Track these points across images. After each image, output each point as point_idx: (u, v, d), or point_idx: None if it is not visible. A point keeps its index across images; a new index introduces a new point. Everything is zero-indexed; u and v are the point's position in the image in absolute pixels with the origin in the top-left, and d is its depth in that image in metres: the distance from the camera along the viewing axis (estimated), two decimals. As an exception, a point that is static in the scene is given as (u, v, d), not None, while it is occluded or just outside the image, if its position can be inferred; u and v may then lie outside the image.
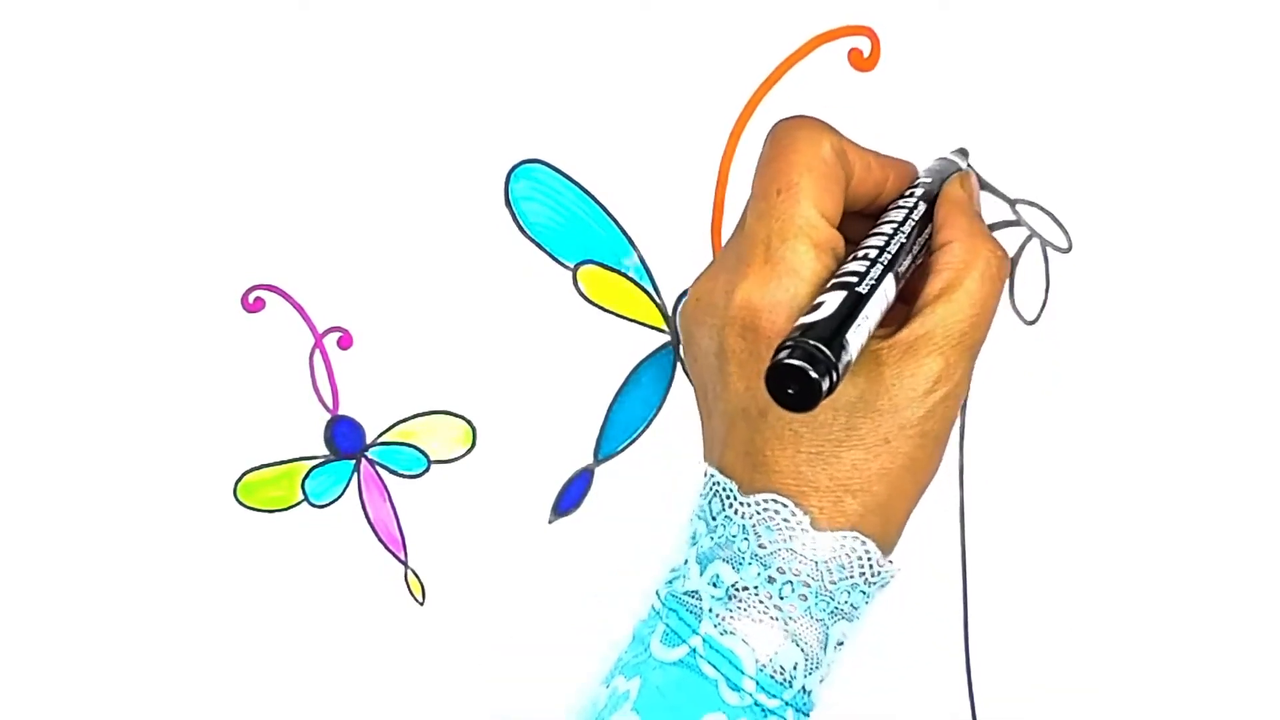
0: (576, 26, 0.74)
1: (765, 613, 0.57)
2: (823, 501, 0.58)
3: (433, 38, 0.74)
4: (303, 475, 0.77)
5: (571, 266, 0.76)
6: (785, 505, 0.57)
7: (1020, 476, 0.76)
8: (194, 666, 0.78)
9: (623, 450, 0.77)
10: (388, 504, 0.77)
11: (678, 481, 0.76)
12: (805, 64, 0.74)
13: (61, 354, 0.76)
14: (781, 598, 0.57)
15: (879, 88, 0.74)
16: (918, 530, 0.62)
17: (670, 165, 0.75)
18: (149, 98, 0.75)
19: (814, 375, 0.53)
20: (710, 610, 0.58)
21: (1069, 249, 0.74)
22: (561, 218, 0.75)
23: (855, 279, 0.57)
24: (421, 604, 0.78)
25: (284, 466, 0.77)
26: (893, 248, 0.59)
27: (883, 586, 0.60)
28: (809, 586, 0.57)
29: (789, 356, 0.53)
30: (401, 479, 0.77)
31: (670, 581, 0.60)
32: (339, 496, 0.77)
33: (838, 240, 0.60)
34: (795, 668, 0.57)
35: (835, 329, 0.54)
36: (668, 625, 0.59)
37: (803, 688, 0.58)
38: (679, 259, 0.76)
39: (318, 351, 0.76)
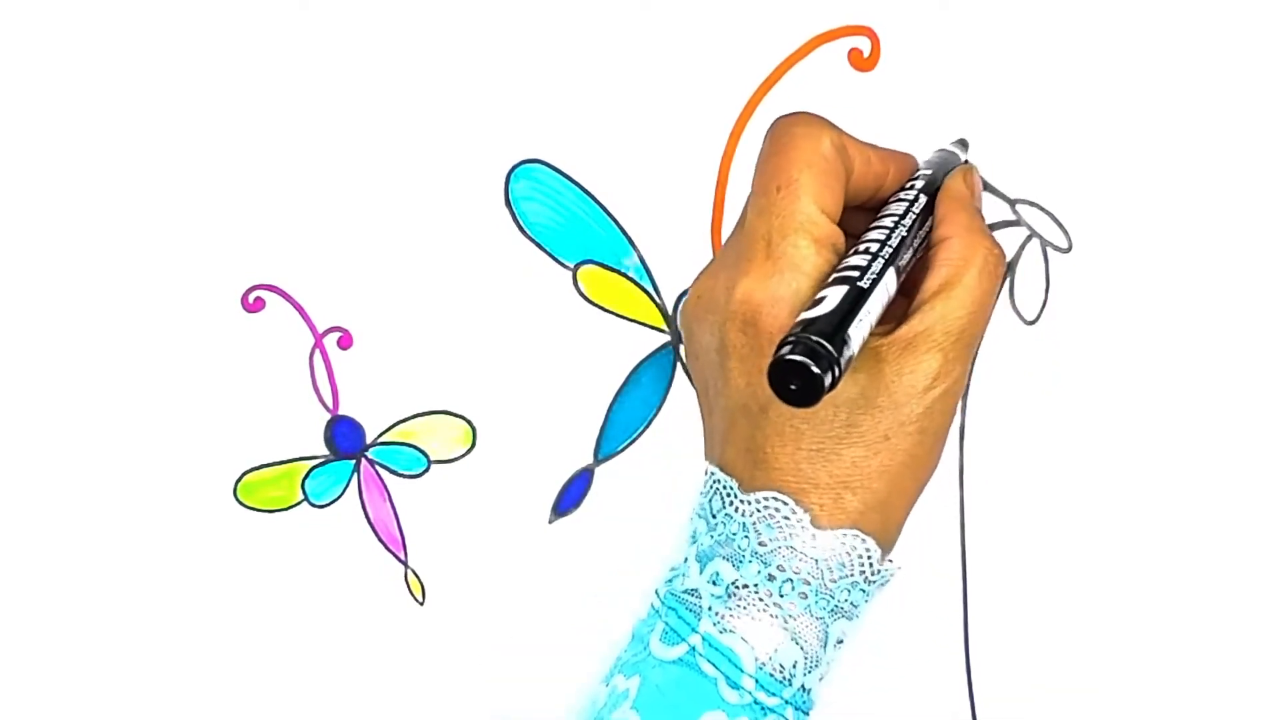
0: (576, 26, 0.74)
1: (765, 610, 0.57)
2: (823, 499, 0.58)
3: (433, 38, 0.74)
4: (303, 475, 0.77)
5: (571, 266, 0.76)
6: (786, 503, 0.57)
7: (1020, 476, 0.76)
8: (194, 666, 0.78)
9: (623, 450, 0.77)
10: (388, 504, 0.77)
11: (678, 481, 0.76)
12: (805, 64, 0.74)
13: (62, 354, 0.76)
14: (781, 595, 0.57)
15: (879, 88, 0.74)
16: (918, 529, 0.62)
17: (670, 165, 0.75)
18: (149, 98, 0.75)
19: (816, 371, 0.53)
20: (709, 608, 0.58)
21: (1069, 249, 0.74)
22: (561, 218, 0.75)
23: (857, 274, 0.57)
24: (421, 604, 0.78)
25: (284, 466, 0.77)
26: (893, 241, 0.59)
27: (882, 585, 0.60)
28: (809, 584, 0.57)
29: (791, 352, 0.53)
30: (401, 479, 0.77)
31: (670, 580, 0.60)
32: (339, 496, 0.77)
33: (838, 236, 0.60)
34: (795, 666, 0.57)
35: (837, 324, 0.54)
36: (667, 624, 0.59)
37: (802, 686, 0.58)
38: (679, 259, 0.76)
39: (318, 351, 0.76)
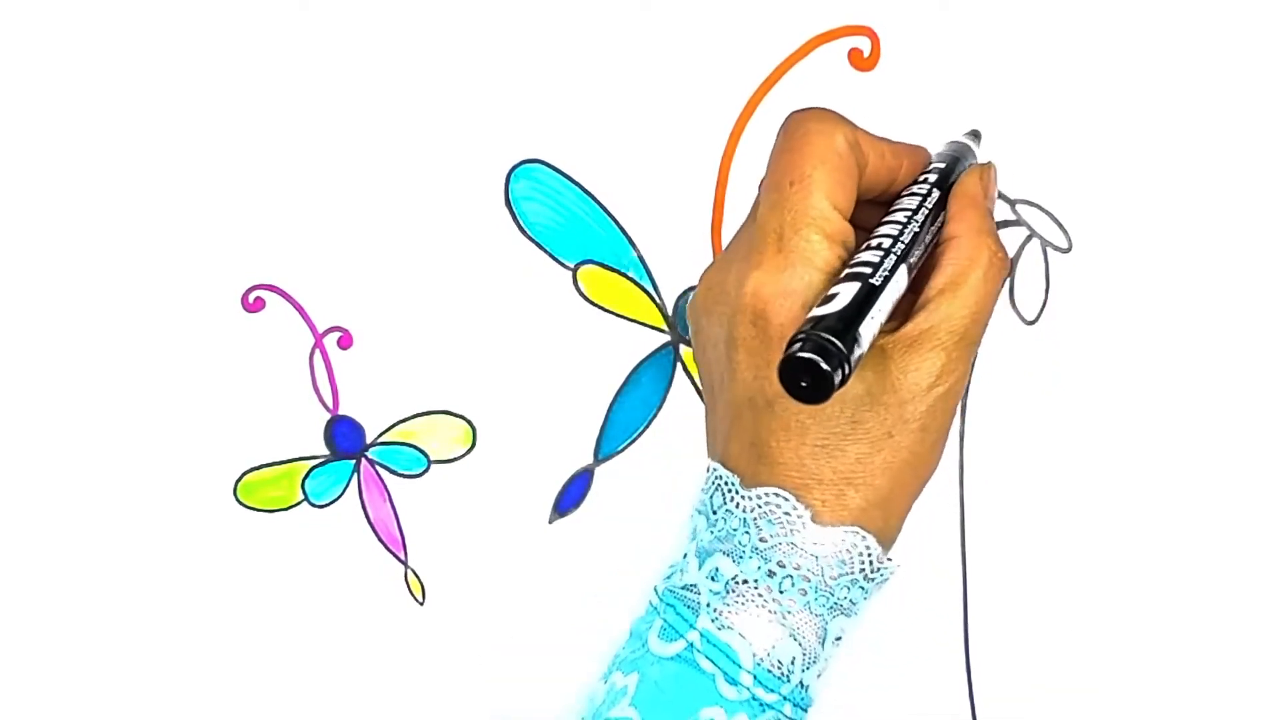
0: (576, 26, 0.74)
1: (763, 607, 0.57)
2: (825, 495, 0.58)
3: (433, 38, 0.74)
4: (303, 475, 0.77)
5: (571, 266, 0.76)
6: (787, 499, 0.58)
7: (1020, 476, 0.76)
8: (194, 666, 0.78)
9: (623, 450, 0.77)
10: (388, 504, 0.77)
11: (678, 481, 0.76)
12: (805, 64, 0.74)
13: (62, 354, 0.76)
14: (781, 592, 0.57)
15: (879, 88, 0.74)
16: (918, 528, 0.62)
17: (670, 165, 0.75)
18: (149, 98, 0.75)
19: (827, 368, 0.53)
20: (708, 605, 0.58)
21: (1069, 249, 0.74)
22: (561, 218, 0.75)
23: (869, 270, 0.57)
24: (421, 604, 0.78)
25: (284, 466, 0.77)
26: (906, 237, 0.59)
27: (882, 583, 0.60)
28: (809, 581, 0.57)
29: (802, 349, 0.53)
30: (401, 479, 0.77)
31: (668, 576, 0.60)
32: (339, 496, 0.77)
33: (849, 232, 0.60)
34: (793, 662, 0.57)
35: (849, 321, 0.54)
36: (665, 620, 0.59)
37: (800, 682, 0.58)
38: (679, 259, 0.76)
39: (318, 351, 0.76)
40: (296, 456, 0.77)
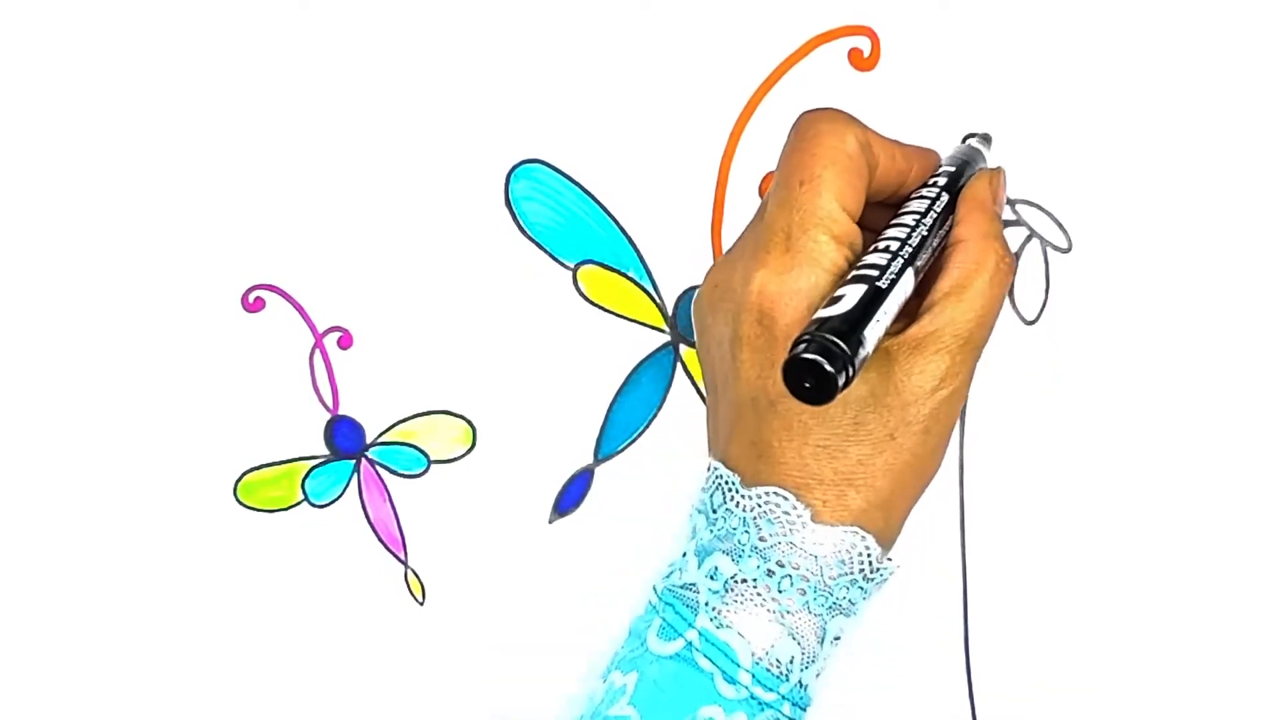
0: (576, 26, 0.74)
1: (762, 606, 0.57)
2: (826, 495, 0.58)
3: (433, 38, 0.74)
4: (303, 475, 0.77)
5: (571, 266, 0.76)
6: (787, 499, 0.58)
7: (1020, 476, 0.76)
8: (194, 666, 0.78)
9: (623, 450, 0.77)
10: (388, 504, 0.77)
11: (678, 481, 0.76)
12: (805, 64, 0.74)
13: (62, 354, 0.76)
14: (780, 591, 0.57)
15: (879, 88, 0.74)
16: (918, 529, 0.62)
17: (670, 165, 0.75)
18: (149, 98, 0.75)
19: (831, 370, 0.53)
20: (706, 604, 0.58)
21: (1069, 249, 0.74)
22: (561, 218, 0.75)
23: (875, 273, 0.57)
24: (421, 604, 0.78)
25: (284, 466, 0.77)
26: (913, 241, 0.59)
27: (881, 583, 0.60)
28: (808, 581, 0.57)
29: (806, 350, 0.53)
30: (401, 479, 0.77)
31: (667, 575, 0.60)
32: (339, 496, 0.77)
33: (857, 235, 0.60)
34: (791, 661, 0.57)
35: (854, 324, 0.54)
36: (664, 619, 0.59)
37: (799, 682, 0.58)
38: (679, 259, 0.76)
39: (318, 351, 0.76)
40: (296, 456, 0.77)
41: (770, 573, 0.57)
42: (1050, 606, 0.76)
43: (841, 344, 0.53)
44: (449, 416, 0.77)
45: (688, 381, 0.76)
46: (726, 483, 0.59)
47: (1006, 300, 0.72)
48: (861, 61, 0.74)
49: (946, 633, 0.76)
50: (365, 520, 0.77)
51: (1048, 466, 0.76)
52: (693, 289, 0.76)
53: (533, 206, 0.75)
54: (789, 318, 0.58)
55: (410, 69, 0.75)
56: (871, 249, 0.59)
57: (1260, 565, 0.76)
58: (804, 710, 0.59)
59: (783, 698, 0.57)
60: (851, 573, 0.58)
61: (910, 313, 0.60)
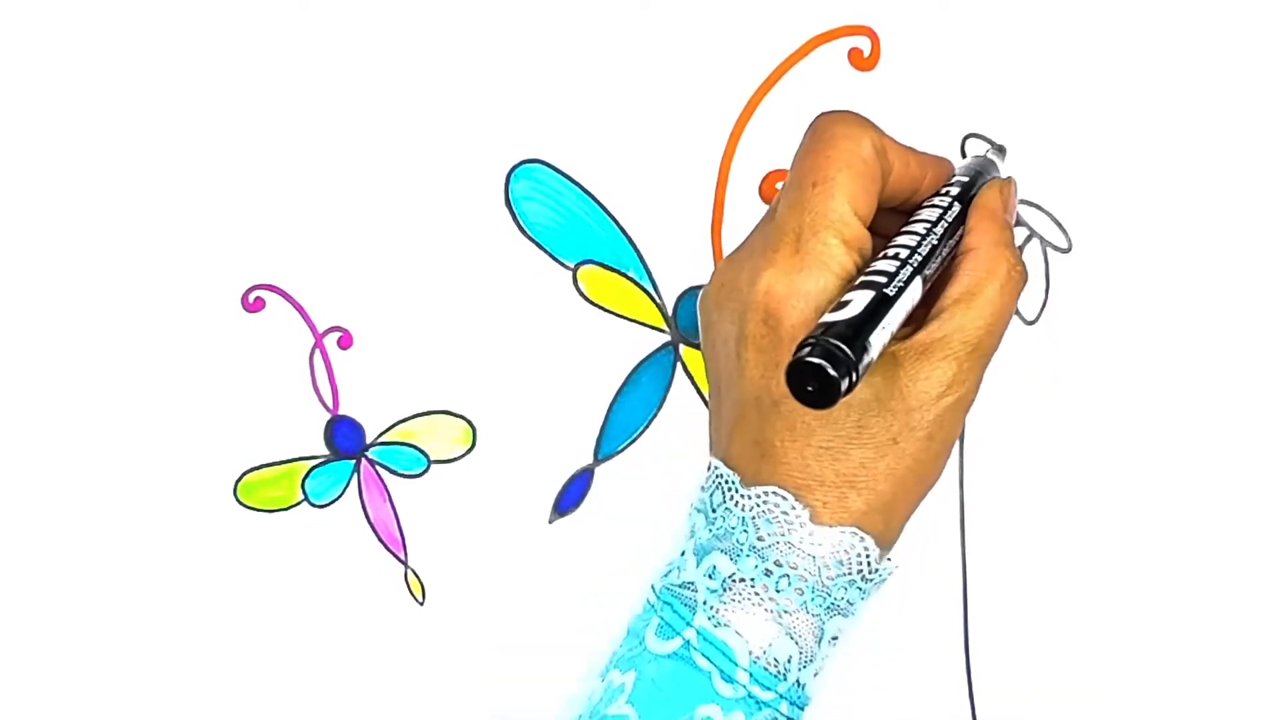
0: (576, 26, 0.74)
1: (760, 605, 0.57)
2: (827, 496, 0.58)
3: (433, 38, 0.75)
4: (303, 475, 0.77)
5: (571, 266, 0.76)
6: (786, 499, 0.57)
7: (1020, 476, 0.76)
8: (194, 666, 0.78)
9: (623, 450, 0.77)
10: (388, 504, 0.77)
11: (678, 481, 0.76)
12: (805, 64, 0.74)
13: (62, 354, 0.76)
14: (778, 590, 0.57)
15: (879, 88, 0.74)
16: (918, 530, 0.62)
17: (670, 165, 0.75)
18: (149, 98, 0.75)
19: (834, 374, 0.53)
20: (704, 602, 0.58)
21: (1069, 249, 0.74)
22: (561, 218, 0.75)
23: (884, 279, 0.57)
24: (421, 604, 0.78)
25: (284, 466, 0.77)
26: (923, 249, 0.59)
27: (880, 584, 0.60)
28: (806, 581, 0.57)
29: (811, 354, 0.53)
30: (401, 479, 0.77)
31: (666, 574, 0.60)
32: (339, 496, 0.77)
33: (867, 239, 0.60)
34: (789, 661, 0.57)
35: (860, 330, 0.54)
36: (662, 618, 0.59)
37: (797, 681, 0.58)
38: (679, 259, 0.76)
39: (318, 351, 0.76)
40: (296, 456, 0.77)
41: (768, 572, 0.57)
42: (1050, 606, 0.76)
43: (846, 349, 0.53)
44: (449, 416, 0.77)
45: (688, 381, 0.76)
46: (727, 482, 0.59)
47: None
48: (861, 61, 0.74)
49: (946, 633, 0.76)
50: (365, 520, 0.77)
51: (1047, 466, 0.76)
52: (693, 289, 0.76)
53: (533, 206, 0.75)
54: (795, 319, 0.58)
55: (410, 69, 0.75)
56: (881, 255, 0.59)
57: (1260, 565, 0.76)
58: (802, 709, 0.58)
59: (780, 697, 0.57)
60: (850, 573, 0.58)
61: (919, 320, 0.60)
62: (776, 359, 0.58)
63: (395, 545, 0.77)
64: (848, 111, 0.61)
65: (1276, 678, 0.76)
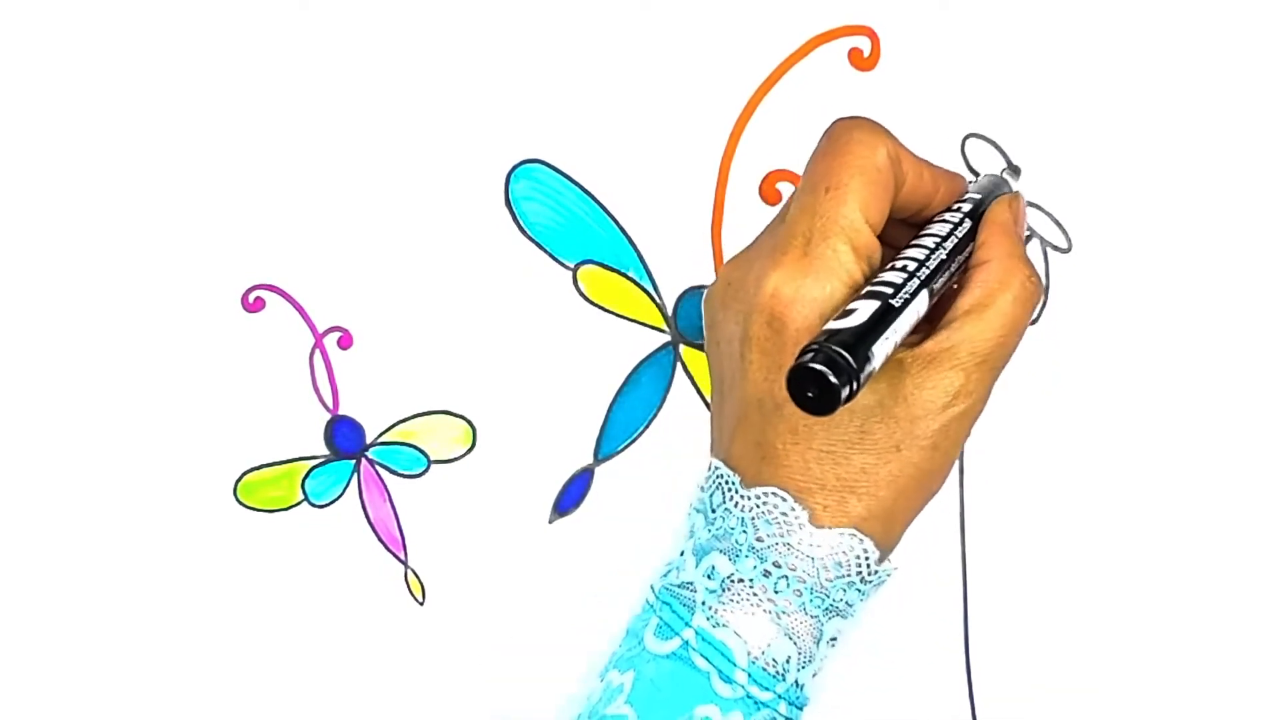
0: (576, 26, 0.74)
1: (758, 605, 0.57)
2: (828, 500, 0.58)
3: (433, 38, 0.75)
4: (303, 475, 0.77)
5: (571, 266, 0.76)
6: (785, 500, 0.57)
7: (1020, 476, 0.76)
8: (194, 666, 0.78)
9: (623, 450, 0.77)
10: (388, 504, 0.77)
11: (678, 481, 0.76)
12: (805, 64, 0.74)
13: (62, 354, 0.76)
14: (776, 591, 0.57)
15: (879, 88, 0.74)
16: (918, 530, 0.62)
17: (670, 165, 0.75)
18: (149, 98, 0.75)
19: (834, 382, 0.53)
20: (703, 603, 0.58)
21: (1069, 249, 0.74)
22: (561, 218, 0.75)
23: (890, 290, 0.57)
24: (421, 604, 0.78)
25: (284, 466, 0.77)
26: (931, 263, 0.59)
27: (879, 586, 0.59)
28: (804, 582, 0.57)
29: (813, 360, 0.53)
30: (401, 479, 0.77)
31: (665, 574, 0.60)
32: (339, 496, 0.77)
33: (876, 248, 0.59)
34: (788, 661, 0.57)
35: (863, 338, 0.54)
36: (661, 618, 0.59)
37: (796, 682, 0.58)
38: (679, 259, 0.76)
39: (318, 351, 0.76)
40: (296, 456, 0.77)
41: (767, 573, 0.57)
42: (1050, 607, 0.76)
43: (849, 357, 0.53)
44: (449, 416, 0.77)
45: (688, 381, 0.76)
46: (727, 482, 0.59)
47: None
48: (861, 61, 0.74)
49: (946, 633, 0.76)
50: (365, 520, 0.77)
51: (1047, 466, 0.76)
52: (693, 289, 0.76)
53: (533, 206, 0.75)
54: (799, 323, 0.58)
55: (410, 69, 0.75)
56: (889, 266, 0.59)
57: (1260, 565, 0.76)
58: (800, 710, 0.58)
59: (779, 697, 0.57)
60: (848, 575, 0.58)
61: (927, 332, 0.59)
62: (780, 362, 0.58)
63: (395, 545, 0.77)
64: (864, 118, 0.61)
65: (1276, 678, 0.76)
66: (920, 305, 0.58)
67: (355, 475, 0.77)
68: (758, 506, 0.58)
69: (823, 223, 0.58)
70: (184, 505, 0.77)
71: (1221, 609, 0.76)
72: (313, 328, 0.76)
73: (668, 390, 0.77)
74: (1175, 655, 0.76)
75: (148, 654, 0.78)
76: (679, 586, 0.59)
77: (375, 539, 0.77)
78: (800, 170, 0.74)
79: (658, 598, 0.59)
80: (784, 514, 0.57)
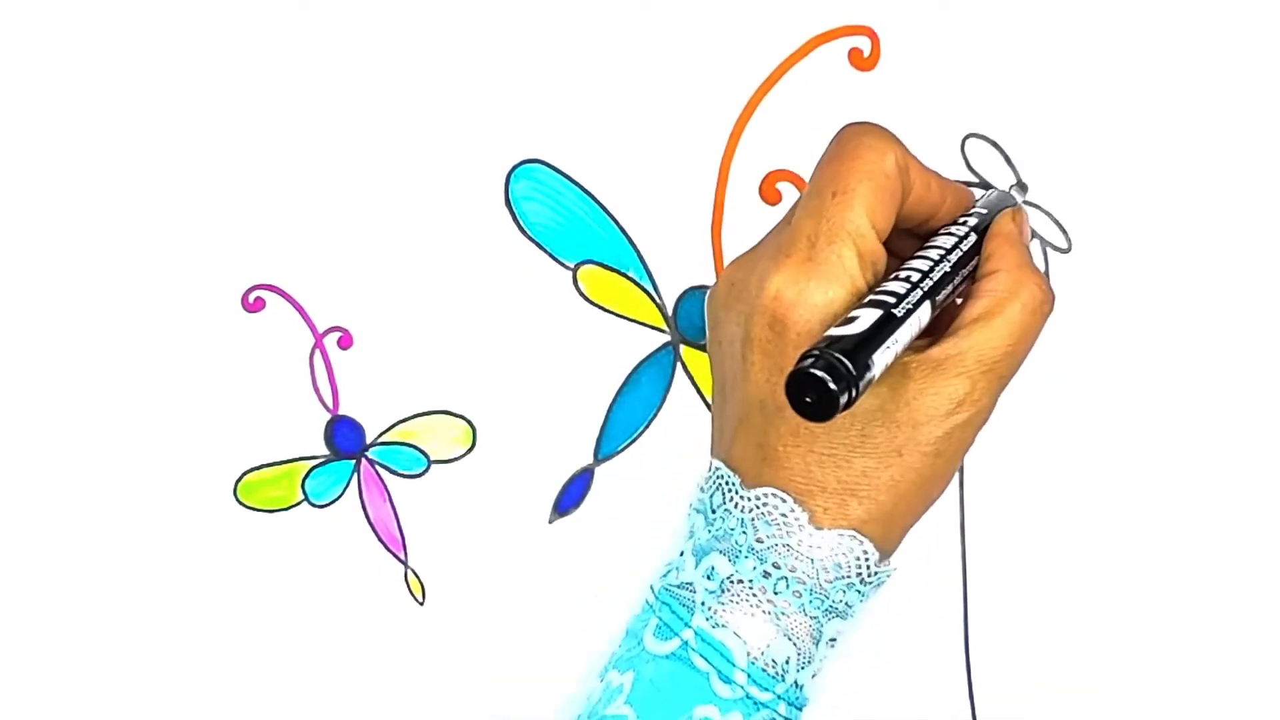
0: (576, 26, 0.74)
1: (758, 606, 0.57)
2: (828, 502, 0.58)
3: (433, 38, 0.75)
4: (303, 475, 0.77)
5: (571, 266, 0.76)
6: (785, 501, 0.57)
7: (1020, 476, 0.76)
8: (194, 666, 0.78)
9: (623, 450, 0.77)
10: (388, 504, 0.77)
11: (678, 481, 0.76)
12: (805, 64, 0.74)
13: (62, 354, 0.76)
14: (776, 592, 0.57)
15: (879, 88, 0.74)
16: (918, 530, 0.62)
17: (670, 165, 0.75)
18: (149, 98, 0.75)
19: (833, 388, 0.53)
20: (703, 603, 0.58)
21: (1069, 249, 0.74)
22: (561, 218, 0.76)
23: (893, 300, 0.57)
24: (421, 604, 0.78)
25: (284, 466, 0.77)
26: (935, 275, 0.59)
27: (878, 587, 0.59)
28: (804, 584, 0.57)
29: (813, 365, 0.53)
30: (401, 479, 0.77)
31: (664, 574, 0.60)
32: (339, 496, 0.77)
33: (881, 255, 0.59)
34: (787, 662, 0.57)
35: (863, 346, 0.54)
36: (660, 618, 0.59)
37: (795, 682, 0.58)
38: (679, 259, 0.76)
39: (318, 351, 0.76)
40: (296, 456, 0.77)
41: (767, 574, 0.57)
42: (1050, 606, 0.76)
43: (848, 364, 0.53)
44: (449, 416, 0.77)
45: (688, 381, 0.76)
46: (727, 483, 0.59)
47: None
48: (861, 61, 0.74)
49: (946, 633, 0.76)
50: (365, 520, 0.77)
51: (1047, 466, 0.76)
52: (693, 289, 0.76)
53: (533, 206, 0.75)
54: (801, 327, 0.58)
55: (410, 69, 0.75)
56: (893, 275, 0.59)
57: (1260, 565, 0.76)
58: (800, 710, 0.58)
59: (778, 698, 0.57)
60: (848, 576, 0.58)
61: (933, 339, 0.59)
62: (781, 364, 0.58)
63: (395, 545, 0.78)
64: (874, 124, 0.61)
65: (1276, 678, 0.76)
66: (922, 316, 0.58)
67: (355, 475, 0.77)
68: (758, 507, 0.58)
69: (829, 226, 0.58)
70: (184, 505, 0.77)
71: (1221, 609, 0.76)
72: (313, 328, 0.76)
73: (668, 390, 0.77)
74: (1175, 655, 0.76)
75: (148, 654, 0.78)
76: (678, 587, 0.59)
77: (375, 539, 0.77)
78: (800, 170, 0.74)
79: (657, 598, 0.59)
80: (784, 515, 0.57)
